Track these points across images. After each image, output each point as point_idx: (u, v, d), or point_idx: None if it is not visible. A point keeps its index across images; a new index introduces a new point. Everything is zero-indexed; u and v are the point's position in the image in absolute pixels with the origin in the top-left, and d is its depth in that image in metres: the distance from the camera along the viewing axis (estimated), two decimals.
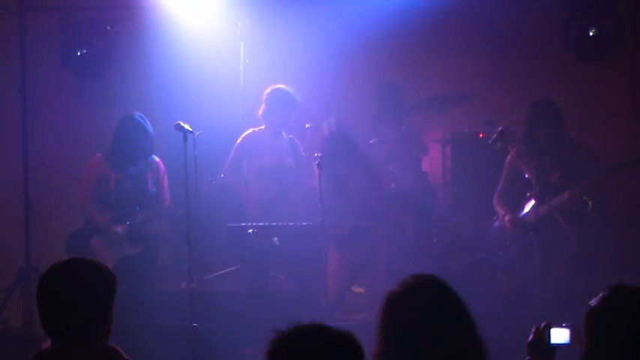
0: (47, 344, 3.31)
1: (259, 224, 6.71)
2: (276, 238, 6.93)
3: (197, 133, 6.69)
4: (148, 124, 6.99)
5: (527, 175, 6.45)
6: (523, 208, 6.69)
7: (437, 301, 2.93)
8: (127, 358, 3.30)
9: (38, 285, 3.27)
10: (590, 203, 6.47)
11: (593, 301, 3.15)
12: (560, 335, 3.28)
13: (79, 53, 8.20)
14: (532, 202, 6.45)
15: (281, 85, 7.27)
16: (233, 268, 7.63)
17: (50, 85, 8.30)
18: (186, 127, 6.60)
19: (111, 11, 8.32)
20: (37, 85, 8.13)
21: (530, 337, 3.31)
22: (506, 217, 6.74)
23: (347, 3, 8.01)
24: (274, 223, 6.74)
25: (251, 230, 6.69)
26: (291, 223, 6.79)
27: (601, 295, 3.15)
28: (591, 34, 7.81)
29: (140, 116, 7.00)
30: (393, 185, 7.81)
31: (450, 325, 2.90)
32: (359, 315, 6.86)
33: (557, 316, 3.38)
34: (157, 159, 7.10)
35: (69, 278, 3.25)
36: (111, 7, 8.32)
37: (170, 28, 8.08)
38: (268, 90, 7.29)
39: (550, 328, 3.29)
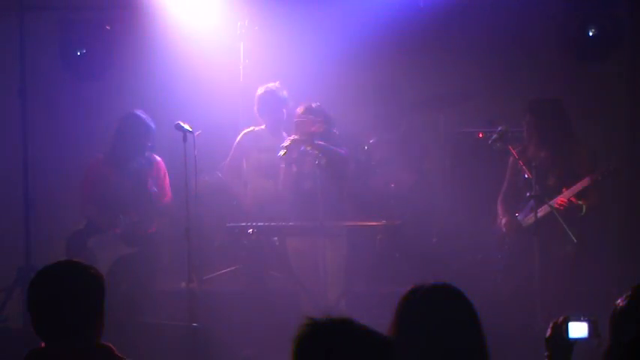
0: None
1: (259, 224, 6.71)
2: (276, 238, 6.93)
3: (197, 133, 6.70)
4: (150, 120, 7.01)
5: (526, 176, 6.45)
6: (521, 209, 6.68)
7: (449, 306, 2.97)
8: (120, 356, 3.31)
9: (28, 290, 3.29)
10: (583, 208, 6.45)
11: (618, 301, 3.15)
12: (578, 329, 3.23)
13: (78, 53, 8.20)
14: (530, 204, 6.45)
15: (268, 85, 7.26)
16: (233, 268, 7.63)
17: (50, 85, 8.29)
18: (186, 127, 6.62)
19: (111, 11, 8.32)
20: (37, 85, 8.13)
21: (548, 332, 3.28)
22: (504, 220, 6.73)
23: (347, 3, 8.01)
24: (274, 223, 6.74)
25: (251, 230, 6.69)
26: (291, 223, 6.79)
27: (625, 294, 3.16)
28: (590, 34, 7.81)
29: (142, 112, 7.02)
30: (392, 185, 7.82)
31: (462, 334, 2.93)
32: (359, 315, 6.85)
33: (556, 318, 3.36)
34: (158, 158, 7.11)
35: (57, 281, 3.27)
36: (111, 7, 8.32)
37: (170, 28, 8.08)
38: (257, 91, 7.29)
39: (568, 322, 3.25)
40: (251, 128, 7.37)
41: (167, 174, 7.11)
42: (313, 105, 6.82)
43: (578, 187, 6.44)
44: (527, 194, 6.38)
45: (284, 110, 7.23)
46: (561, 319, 3.28)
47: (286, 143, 6.77)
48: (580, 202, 6.44)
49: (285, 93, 7.23)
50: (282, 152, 6.74)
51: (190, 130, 6.62)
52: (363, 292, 7.31)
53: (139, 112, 7.04)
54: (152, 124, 7.00)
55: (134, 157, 6.97)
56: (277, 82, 7.28)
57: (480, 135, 7.80)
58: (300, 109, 6.84)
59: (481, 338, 2.96)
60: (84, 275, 3.30)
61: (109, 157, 7.02)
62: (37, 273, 3.31)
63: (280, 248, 6.91)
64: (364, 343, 2.40)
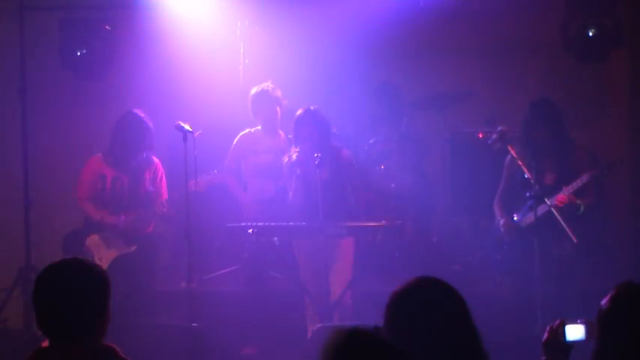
0: (46, 343, 3.33)
1: (259, 224, 6.71)
2: (275, 238, 6.93)
3: (197, 133, 6.70)
4: (148, 119, 7.02)
5: (526, 176, 6.44)
6: (519, 210, 6.68)
7: (440, 302, 2.95)
8: (124, 357, 3.31)
9: (34, 287, 3.29)
10: (581, 207, 6.45)
11: (603, 301, 3.15)
12: (575, 332, 3.23)
13: (79, 53, 8.19)
14: (527, 204, 6.45)
15: (261, 85, 7.26)
16: (233, 268, 7.63)
17: (50, 85, 8.30)
18: (186, 127, 6.62)
19: (111, 11, 8.31)
20: (37, 84, 8.13)
21: (545, 336, 3.27)
22: (502, 221, 6.73)
23: (347, 3, 8.01)
24: (274, 223, 6.74)
25: (251, 230, 6.69)
26: (291, 223, 6.78)
27: (610, 293, 3.14)
28: (591, 34, 7.81)
29: (140, 111, 7.04)
30: (392, 185, 7.82)
31: (452, 327, 2.91)
32: (359, 315, 6.86)
33: (556, 318, 3.35)
34: (156, 160, 7.12)
35: (63, 279, 3.27)
36: (111, 7, 8.32)
37: (170, 28, 8.08)
38: (250, 92, 7.29)
39: (565, 325, 3.24)
40: (247, 130, 7.37)
41: (164, 176, 7.13)
42: (311, 108, 6.81)
43: (577, 183, 6.44)
44: (527, 194, 6.38)
45: (278, 109, 7.23)
46: (557, 322, 3.27)
47: (294, 157, 6.74)
48: (579, 202, 6.44)
49: (278, 92, 7.22)
50: (297, 170, 6.71)
51: (190, 130, 6.62)
52: (362, 292, 7.32)
53: (137, 111, 7.06)
54: (150, 123, 7.01)
55: (132, 157, 7.00)
56: (269, 82, 7.27)
57: (480, 135, 7.80)
58: (298, 113, 6.84)
59: (472, 330, 2.94)
60: (89, 274, 3.31)
61: (108, 156, 7.07)
62: (43, 271, 3.31)
63: (280, 248, 6.90)
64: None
